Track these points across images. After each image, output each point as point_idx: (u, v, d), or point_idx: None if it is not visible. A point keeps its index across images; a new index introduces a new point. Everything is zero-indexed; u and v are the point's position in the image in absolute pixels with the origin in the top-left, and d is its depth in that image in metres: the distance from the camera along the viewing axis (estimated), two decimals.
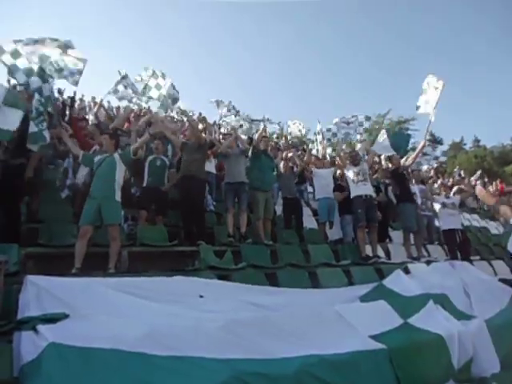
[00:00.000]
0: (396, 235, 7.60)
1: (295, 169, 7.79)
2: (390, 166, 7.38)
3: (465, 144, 36.97)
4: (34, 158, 4.59)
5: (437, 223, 7.80)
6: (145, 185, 5.84)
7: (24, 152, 4.41)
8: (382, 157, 8.08)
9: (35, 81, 4.42)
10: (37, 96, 4.32)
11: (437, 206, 7.11)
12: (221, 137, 9.00)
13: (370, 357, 3.23)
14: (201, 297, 3.64)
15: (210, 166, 7.15)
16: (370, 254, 6.03)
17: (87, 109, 11.61)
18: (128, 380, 2.46)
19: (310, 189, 9.15)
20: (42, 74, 4.45)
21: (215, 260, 4.85)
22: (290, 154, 7.65)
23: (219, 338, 2.98)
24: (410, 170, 7.96)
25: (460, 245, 6.67)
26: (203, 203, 6.11)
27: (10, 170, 4.34)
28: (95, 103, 10.96)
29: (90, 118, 9.22)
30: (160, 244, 5.05)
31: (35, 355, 2.40)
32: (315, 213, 7.97)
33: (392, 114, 28.50)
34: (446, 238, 6.99)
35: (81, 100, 12.10)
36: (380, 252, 6.46)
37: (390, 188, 7.56)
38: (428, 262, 5.84)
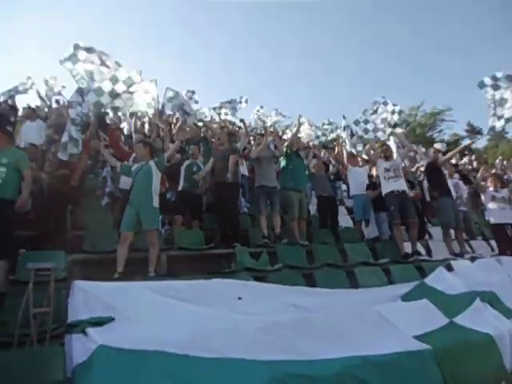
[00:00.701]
0: (435, 231, 7.33)
1: (330, 168, 7.70)
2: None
3: (507, 133, 35.02)
4: (79, 168, 4.84)
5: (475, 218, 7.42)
6: (180, 189, 5.99)
7: (68, 163, 4.67)
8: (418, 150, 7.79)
9: (75, 94, 4.67)
10: (78, 107, 4.56)
11: (486, 200, 6.76)
12: (251, 138, 9.08)
13: (415, 358, 3.13)
14: (239, 299, 3.67)
15: (243, 169, 7.23)
16: (410, 252, 5.86)
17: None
18: (173, 382, 2.52)
19: (343, 187, 9.00)
20: (82, 90, 4.70)
21: (251, 261, 4.88)
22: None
23: (259, 340, 2.99)
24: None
25: (510, 240, 6.35)
26: (237, 206, 6.18)
27: (55, 181, 4.61)
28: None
29: (125, 127, 9.59)
30: (197, 247, 5.15)
31: (85, 357, 2.51)
32: (350, 211, 7.85)
33: (426, 105, 27.56)
34: (495, 232, 6.65)
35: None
36: (420, 249, 6.25)
37: (425, 183, 7.31)
38: (472, 259, 5.59)
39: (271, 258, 5.07)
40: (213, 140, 7.78)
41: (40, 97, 9.39)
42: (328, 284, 4.45)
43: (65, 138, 4.56)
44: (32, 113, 7.11)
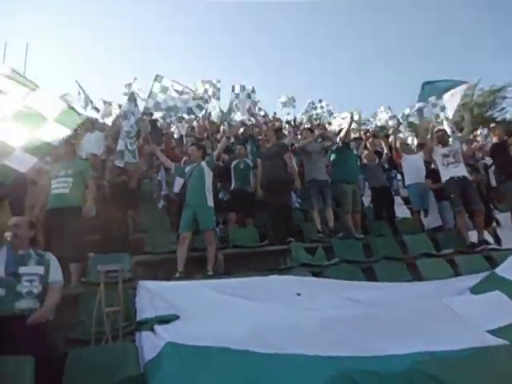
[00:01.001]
0: (504, 218, 6.78)
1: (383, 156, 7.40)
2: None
3: None
4: (136, 174, 5.11)
5: None
6: (232, 188, 6.10)
7: (126, 170, 4.94)
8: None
9: (128, 104, 4.91)
10: (132, 118, 4.80)
11: None
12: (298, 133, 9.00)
13: (490, 354, 2.93)
14: (298, 295, 3.66)
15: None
16: (476, 241, 5.48)
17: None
18: (238, 377, 2.56)
19: (399, 176, 8.61)
20: (134, 97, 4.93)
21: (307, 257, 4.85)
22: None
23: (320, 336, 2.95)
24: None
25: None
26: (289, 202, 6.16)
27: (115, 188, 4.89)
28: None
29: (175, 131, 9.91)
30: (252, 245, 5.20)
31: (155, 353, 2.64)
32: (406, 201, 7.50)
33: (483, 83, 25.60)
34: None
35: None
36: (488, 238, 5.82)
37: (490, 166, 6.79)
38: None
39: (327, 253, 4.99)
40: (259, 137, 7.82)
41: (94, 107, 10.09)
42: (389, 277, 4.29)
43: (120, 147, 4.82)
44: (91, 125, 7.58)
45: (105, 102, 10.54)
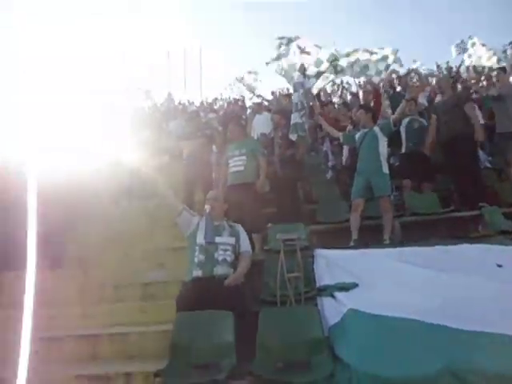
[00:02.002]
0: None
1: None
2: None
3: None
4: (302, 147, 5.24)
5: None
6: (404, 151, 5.58)
7: (293, 144, 5.11)
8: None
9: (297, 76, 5.03)
10: (301, 90, 4.90)
11: None
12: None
13: None
14: (499, 266, 3.10)
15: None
16: None
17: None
18: (430, 351, 2.35)
19: None
20: (304, 69, 5.02)
21: (506, 223, 4.06)
22: None
23: None
24: None
25: None
26: (476, 161, 5.27)
27: (285, 161, 5.14)
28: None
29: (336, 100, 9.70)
30: (433, 211, 4.68)
31: (338, 319, 2.67)
32: None
33: None
34: None
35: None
36: None
37: None
38: None
39: None
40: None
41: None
42: None
43: (294, 120, 4.99)
44: (259, 107, 8.14)
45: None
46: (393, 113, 5.46)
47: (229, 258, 3.19)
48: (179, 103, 12.81)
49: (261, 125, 7.28)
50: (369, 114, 4.67)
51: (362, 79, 10.29)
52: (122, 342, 3.08)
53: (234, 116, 7.63)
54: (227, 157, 4.76)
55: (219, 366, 2.43)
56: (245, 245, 3.33)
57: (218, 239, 3.23)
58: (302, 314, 2.76)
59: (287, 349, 2.45)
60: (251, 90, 10.94)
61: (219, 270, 3.11)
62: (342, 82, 11.73)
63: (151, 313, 3.42)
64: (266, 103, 9.84)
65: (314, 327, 2.53)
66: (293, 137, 5.11)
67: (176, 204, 3.48)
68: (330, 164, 6.38)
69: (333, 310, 2.80)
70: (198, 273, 3.09)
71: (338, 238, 4.40)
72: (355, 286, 3.01)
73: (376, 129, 4.51)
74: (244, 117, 8.97)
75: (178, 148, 7.48)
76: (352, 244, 4.13)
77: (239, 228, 3.40)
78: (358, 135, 4.67)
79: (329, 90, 12.82)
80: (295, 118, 5.02)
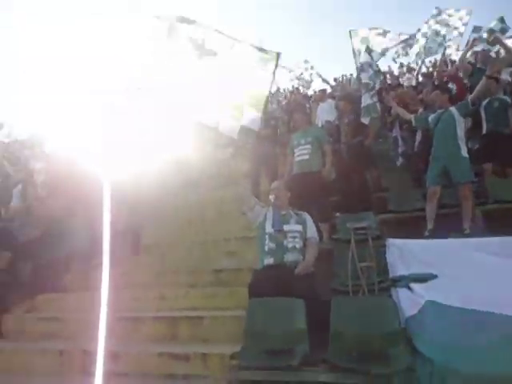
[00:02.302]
0: None
1: None
2: None
3: None
4: (372, 132, 5.05)
5: None
6: (484, 132, 5.11)
7: (361, 130, 4.94)
8: None
9: (365, 56, 4.86)
10: (370, 70, 4.73)
11: None
12: None
13: None
14: None
15: None
16: None
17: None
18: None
19: None
20: (370, 49, 4.83)
21: None
22: None
23: None
24: None
25: None
26: None
27: (352, 149, 4.98)
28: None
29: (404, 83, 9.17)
30: None
31: (415, 311, 2.56)
32: None
33: None
34: None
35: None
36: None
37: None
38: None
39: None
40: None
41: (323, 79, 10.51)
42: None
43: (365, 102, 4.82)
44: (322, 95, 7.98)
45: None
46: (471, 92, 5.03)
47: (298, 245, 3.20)
48: None
49: (325, 112, 7.14)
50: (445, 95, 4.38)
51: (433, 58, 9.62)
52: (198, 324, 3.23)
53: (298, 105, 7.54)
54: (292, 146, 4.73)
55: (292, 352, 2.45)
56: (312, 231, 3.31)
57: (286, 227, 3.25)
58: (378, 305, 2.68)
59: (362, 339, 2.40)
60: (319, 74, 10.70)
61: (289, 257, 3.13)
62: (409, 63, 11.07)
63: (223, 298, 3.55)
64: (329, 90, 9.60)
65: (390, 318, 2.45)
66: (365, 120, 4.92)
67: (249, 197, 3.55)
68: (399, 150, 6.06)
69: (409, 301, 2.68)
70: (269, 260, 3.14)
71: (411, 227, 4.19)
72: (434, 277, 2.86)
73: (452, 109, 4.21)
74: (308, 105, 8.85)
75: (241, 140, 7.62)
76: (427, 234, 3.91)
77: (306, 216, 3.40)
78: (431, 117, 4.39)
79: (396, 73, 12.16)
80: (366, 99, 4.84)
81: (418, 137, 5.40)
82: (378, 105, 4.74)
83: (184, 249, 4.53)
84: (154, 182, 5.71)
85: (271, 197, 3.44)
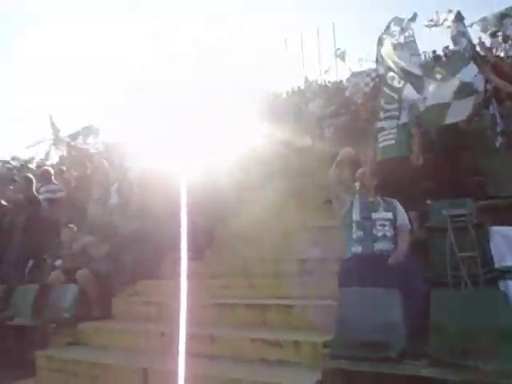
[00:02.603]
0: None
1: None
2: None
3: None
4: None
5: None
6: None
7: None
8: None
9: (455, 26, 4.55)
10: (463, 39, 4.40)
11: None
12: None
13: None
14: None
15: None
16: None
17: None
18: None
19: None
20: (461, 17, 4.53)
21: None
22: None
23: None
24: None
25: None
26: None
27: (443, 131, 4.62)
28: None
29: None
30: None
31: None
32: None
33: None
34: None
35: None
36: None
37: None
38: None
39: None
40: None
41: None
42: None
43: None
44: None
45: None
46: None
47: (388, 234, 3.07)
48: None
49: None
50: None
51: None
52: (287, 313, 3.27)
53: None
54: (376, 130, 4.52)
55: (388, 344, 2.36)
56: (403, 219, 3.15)
57: (374, 215, 3.14)
58: (485, 297, 2.46)
59: (468, 334, 2.22)
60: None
61: (380, 246, 3.03)
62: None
63: (310, 287, 3.54)
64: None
65: (501, 312, 2.23)
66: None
67: (335, 184, 3.49)
68: (498, 129, 5.43)
69: None
70: (357, 249, 3.07)
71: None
72: None
73: None
74: None
75: (318, 128, 7.49)
76: None
77: (395, 203, 3.24)
78: None
79: (488, 44, 10.89)
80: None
81: None
82: (481, 79, 4.30)
83: (267, 240, 4.60)
84: (231, 176, 5.91)
85: (356, 184, 3.34)
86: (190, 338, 3.20)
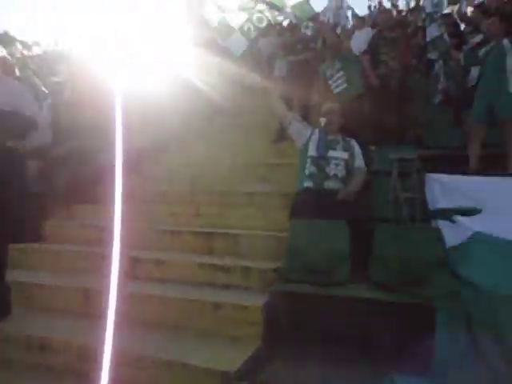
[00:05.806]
0: None
1: None
2: None
3: None
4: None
5: None
6: None
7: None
8: None
9: None
10: None
11: None
12: None
13: None
14: None
15: None
16: None
17: None
18: None
19: None
20: None
21: None
22: None
23: None
24: None
25: None
26: None
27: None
28: None
29: None
30: None
31: (459, 241, 2.58)
32: None
33: None
34: None
35: None
36: None
37: None
38: None
39: None
40: None
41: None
42: None
43: (432, 34, 4.48)
44: (360, 22, 7.43)
45: None
46: None
47: (340, 174, 3.15)
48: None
49: (362, 42, 6.70)
50: (503, 24, 4.01)
51: None
52: (234, 241, 3.32)
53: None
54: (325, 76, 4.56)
55: (335, 271, 2.53)
56: (360, 160, 3.25)
57: (330, 153, 3.19)
58: (422, 232, 2.71)
59: (405, 263, 2.45)
60: None
61: (330, 185, 3.11)
62: None
63: (257, 219, 3.61)
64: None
65: (434, 245, 2.48)
66: (433, 55, 4.55)
67: (285, 112, 3.46)
68: (439, 87, 5.75)
69: (451, 232, 2.69)
70: (309, 184, 3.13)
71: (449, 165, 4.10)
72: (478, 211, 2.84)
73: (505, 41, 3.90)
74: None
75: (268, 67, 7.27)
76: (470, 172, 3.83)
77: (353, 143, 3.31)
78: (482, 51, 4.11)
79: None
80: (433, 31, 4.44)
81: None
82: (446, 36, 4.37)
83: (215, 172, 4.52)
84: (179, 106, 5.59)
85: (322, 119, 3.32)
86: (136, 261, 3.13)
